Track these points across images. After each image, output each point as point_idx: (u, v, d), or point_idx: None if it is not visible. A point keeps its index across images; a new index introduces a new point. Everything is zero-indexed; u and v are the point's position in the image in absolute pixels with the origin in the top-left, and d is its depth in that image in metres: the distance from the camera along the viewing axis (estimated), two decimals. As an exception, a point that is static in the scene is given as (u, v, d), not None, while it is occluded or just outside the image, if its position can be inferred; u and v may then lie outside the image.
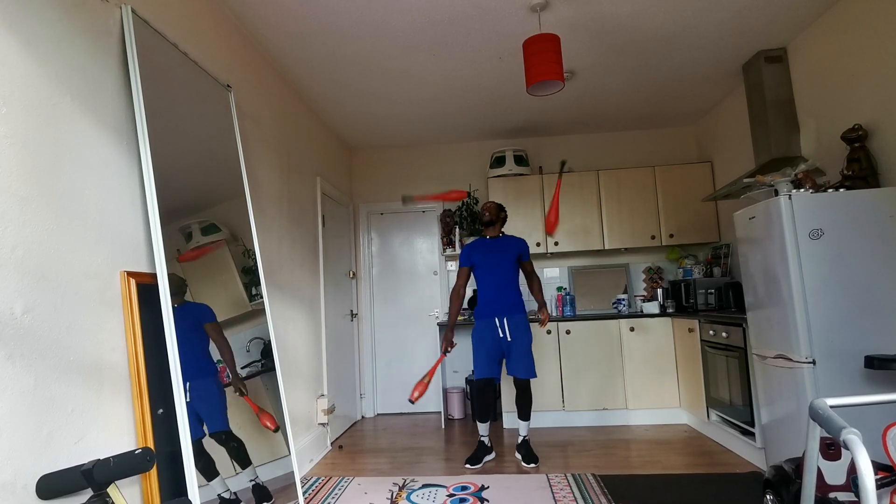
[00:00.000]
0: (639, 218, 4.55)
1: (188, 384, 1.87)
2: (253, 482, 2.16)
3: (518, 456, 3.35)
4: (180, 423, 1.78)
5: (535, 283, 3.52)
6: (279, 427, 2.45)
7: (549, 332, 4.20)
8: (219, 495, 1.89)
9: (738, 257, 3.44)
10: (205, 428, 1.94)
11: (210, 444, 1.93)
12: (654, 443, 3.62)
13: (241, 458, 2.12)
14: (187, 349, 1.92)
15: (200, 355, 2.01)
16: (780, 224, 2.54)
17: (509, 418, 4.15)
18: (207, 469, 1.87)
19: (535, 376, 3.33)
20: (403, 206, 3.38)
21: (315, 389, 3.70)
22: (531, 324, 3.54)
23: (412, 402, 3.26)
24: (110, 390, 1.65)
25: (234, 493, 1.97)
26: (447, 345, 3.44)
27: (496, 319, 3.35)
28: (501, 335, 3.33)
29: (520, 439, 3.40)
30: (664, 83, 3.90)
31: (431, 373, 3.36)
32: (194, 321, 2.00)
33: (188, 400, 1.87)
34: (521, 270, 3.51)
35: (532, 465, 3.22)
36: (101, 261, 1.67)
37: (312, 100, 3.92)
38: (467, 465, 3.27)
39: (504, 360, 3.40)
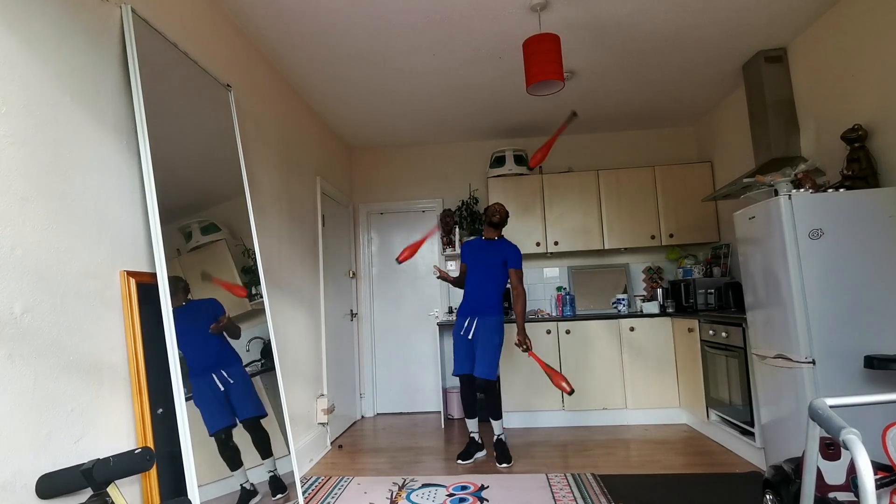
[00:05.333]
0: (639, 218, 4.55)
1: (224, 371, 1.92)
2: (272, 473, 2.21)
3: (494, 454, 3.37)
4: (180, 422, 1.78)
5: (517, 298, 3.40)
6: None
7: (548, 331, 4.20)
8: (241, 485, 1.91)
9: (737, 257, 3.44)
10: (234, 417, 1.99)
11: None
12: (653, 442, 3.63)
13: (265, 447, 2.16)
14: (212, 342, 1.97)
15: (226, 345, 2.05)
16: (779, 224, 2.54)
17: (509, 417, 4.15)
18: (233, 459, 1.89)
19: (492, 378, 3.33)
20: (571, 120, 3.33)
21: (315, 389, 3.70)
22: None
23: (399, 261, 3.28)
24: (110, 390, 1.65)
25: (253, 485, 1.99)
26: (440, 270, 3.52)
27: (467, 319, 3.43)
28: (464, 333, 3.42)
29: (494, 438, 3.41)
30: (664, 83, 3.90)
31: (422, 240, 3.38)
32: (210, 316, 2.04)
33: (226, 386, 1.92)
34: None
35: (504, 465, 3.23)
36: (100, 260, 1.67)
37: (312, 99, 3.91)
38: (459, 462, 3.31)
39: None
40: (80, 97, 1.64)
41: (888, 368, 2.19)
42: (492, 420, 3.41)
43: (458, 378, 3.48)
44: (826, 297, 2.45)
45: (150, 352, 1.78)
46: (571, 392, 3.10)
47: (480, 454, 3.44)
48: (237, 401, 2.02)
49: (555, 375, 3.15)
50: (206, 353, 1.94)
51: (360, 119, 4.37)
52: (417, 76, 3.59)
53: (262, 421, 2.25)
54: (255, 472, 2.11)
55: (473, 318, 3.41)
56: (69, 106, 1.60)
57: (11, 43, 1.40)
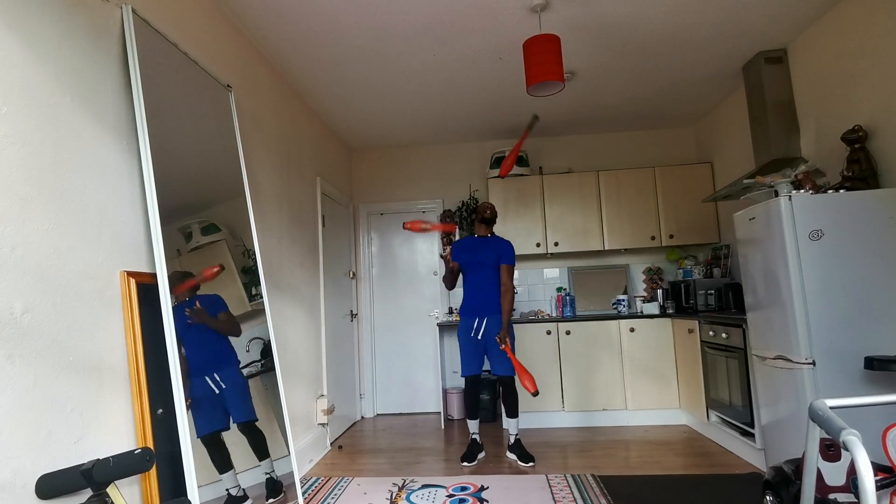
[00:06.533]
0: (639, 218, 4.55)
1: (217, 374, 1.91)
2: (268, 475, 2.21)
3: (513, 457, 3.35)
4: (180, 422, 1.78)
5: (506, 294, 3.32)
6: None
7: (548, 332, 4.20)
8: (227, 490, 1.90)
9: (737, 258, 3.44)
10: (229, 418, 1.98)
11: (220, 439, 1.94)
12: (653, 443, 3.62)
13: (261, 449, 2.16)
14: (212, 339, 1.96)
15: (225, 345, 2.04)
16: (780, 225, 2.54)
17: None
18: (223, 462, 1.88)
19: (514, 374, 3.32)
20: (533, 124, 3.53)
21: (315, 389, 3.69)
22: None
23: (405, 227, 3.20)
24: (110, 390, 1.65)
25: (243, 490, 1.98)
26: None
27: (476, 320, 3.40)
28: (474, 334, 3.39)
29: (511, 439, 3.40)
30: (664, 84, 3.90)
31: (433, 227, 3.26)
32: (212, 312, 2.03)
33: (219, 389, 1.90)
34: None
35: (529, 464, 3.22)
36: (100, 260, 1.67)
37: (312, 100, 3.92)
38: (464, 464, 3.29)
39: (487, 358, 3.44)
40: (80, 97, 1.64)
41: (888, 369, 2.19)
42: (508, 418, 3.39)
43: (462, 379, 3.48)
44: (826, 297, 2.45)
45: (150, 352, 1.78)
46: (535, 394, 3.09)
47: (482, 454, 3.45)
48: (232, 403, 2.01)
49: (523, 375, 3.13)
50: (205, 352, 1.93)
51: (360, 119, 4.37)
52: (418, 76, 3.59)
53: (260, 422, 2.25)
54: (253, 473, 2.10)
55: (483, 317, 3.37)
56: (69, 106, 1.60)
57: (11, 43, 1.40)
